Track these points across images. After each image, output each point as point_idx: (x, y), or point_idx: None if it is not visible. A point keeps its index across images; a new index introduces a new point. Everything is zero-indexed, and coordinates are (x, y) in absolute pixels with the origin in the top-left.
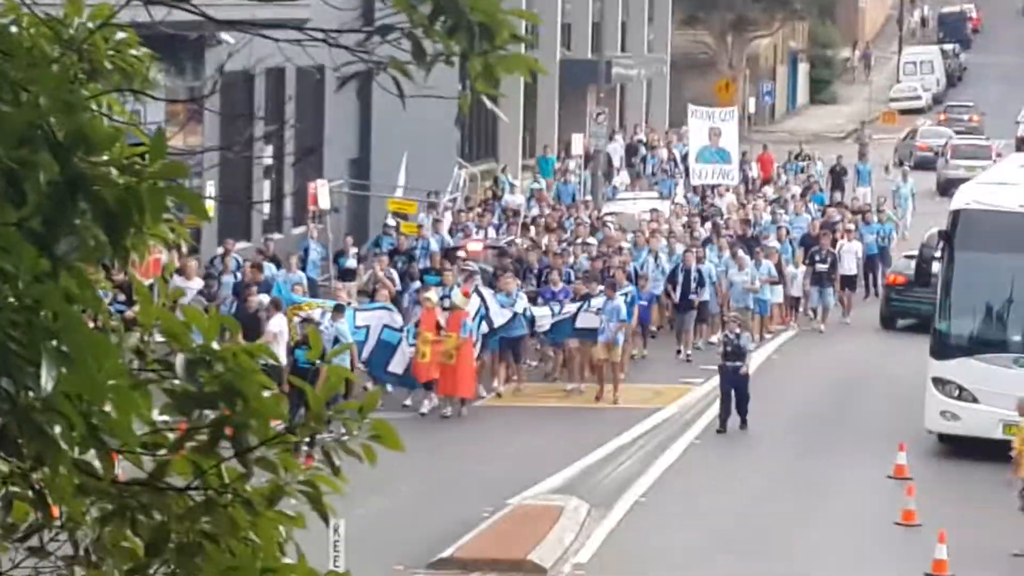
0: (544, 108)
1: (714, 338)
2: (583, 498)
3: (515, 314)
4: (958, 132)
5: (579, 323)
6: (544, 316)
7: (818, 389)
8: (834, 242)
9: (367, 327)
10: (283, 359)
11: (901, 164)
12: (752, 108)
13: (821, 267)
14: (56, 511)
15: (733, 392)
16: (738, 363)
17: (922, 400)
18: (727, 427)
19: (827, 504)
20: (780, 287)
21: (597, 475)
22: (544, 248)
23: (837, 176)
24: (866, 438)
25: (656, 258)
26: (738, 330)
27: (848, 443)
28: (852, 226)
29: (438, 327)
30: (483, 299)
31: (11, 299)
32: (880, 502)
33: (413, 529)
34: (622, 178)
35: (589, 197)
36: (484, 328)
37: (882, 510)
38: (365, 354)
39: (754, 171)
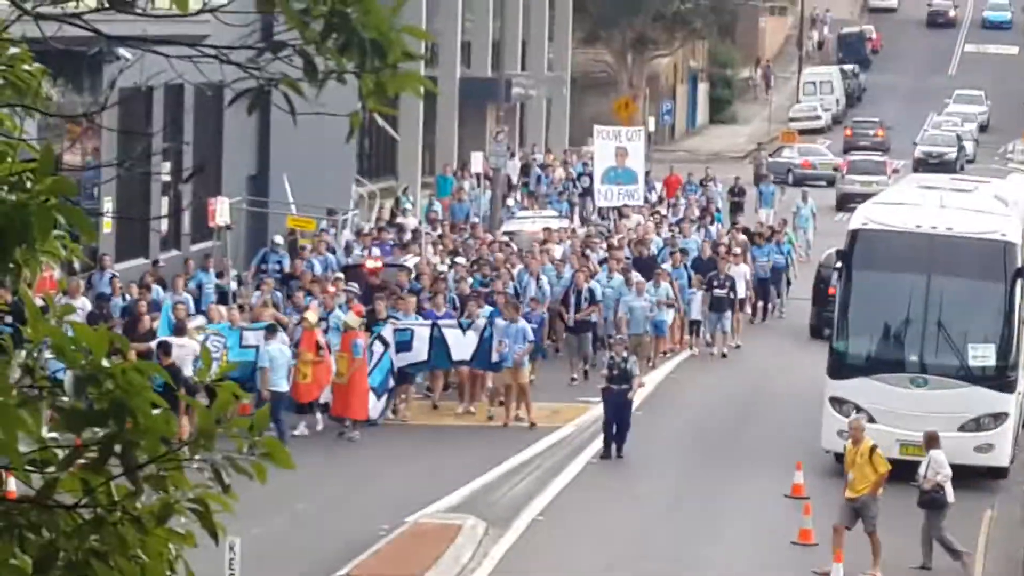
0: (444, 126)
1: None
2: (481, 516)
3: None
4: (862, 148)
5: (454, 355)
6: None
7: (716, 408)
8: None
9: (256, 347)
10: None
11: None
12: (652, 127)
13: (719, 292)
14: None
15: (617, 416)
16: (624, 387)
17: (819, 420)
18: (611, 453)
19: (725, 523)
20: (673, 309)
21: (495, 493)
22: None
23: (736, 197)
24: (764, 457)
25: (538, 280)
26: (625, 353)
27: (746, 462)
28: (739, 249)
29: (317, 347)
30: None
31: None
32: (777, 521)
33: (310, 547)
34: (515, 197)
35: (476, 219)
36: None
37: (779, 529)
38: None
39: (658, 192)
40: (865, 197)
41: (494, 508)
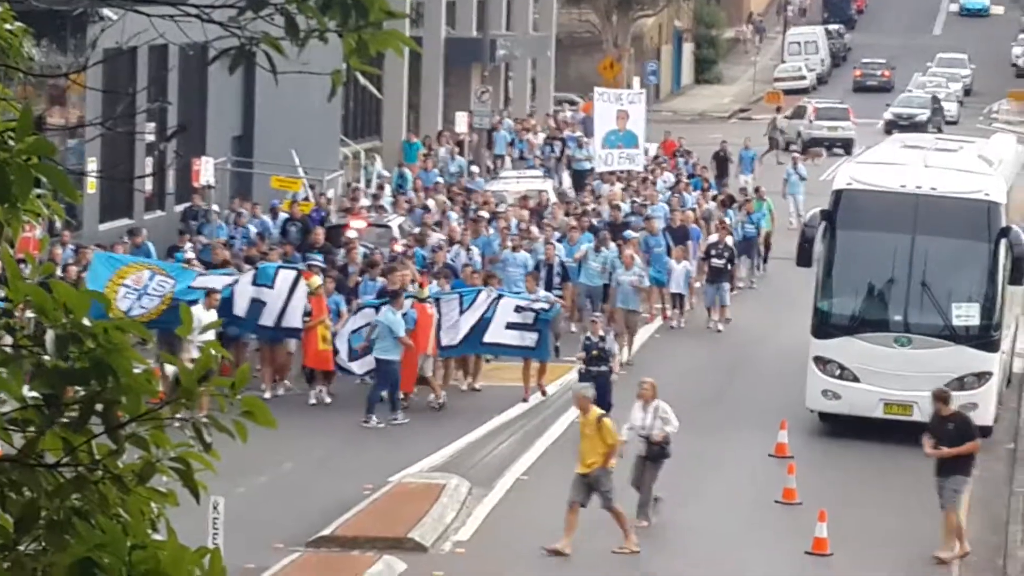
0: (428, 86)
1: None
2: (464, 476)
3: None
4: (871, 88)
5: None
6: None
7: (700, 369)
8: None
9: (205, 289)
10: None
11: (787, 148)
12: (637, 87)
13: (717, 263)
14: None
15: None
16: (603, 368)
17: (803, 379)
18: None
19: (708, 482)
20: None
21: (478, 453)
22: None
23: (721, 162)
24: (747, 417)
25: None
26: (601, 332)
27: (729, 422)
28: (728, 219)
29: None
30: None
31: None
32: (761, 481)
33: (294, 507)
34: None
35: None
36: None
37: (763, 488)
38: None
39: (652, 152)
40: (831, 141)
41: (478, 468)
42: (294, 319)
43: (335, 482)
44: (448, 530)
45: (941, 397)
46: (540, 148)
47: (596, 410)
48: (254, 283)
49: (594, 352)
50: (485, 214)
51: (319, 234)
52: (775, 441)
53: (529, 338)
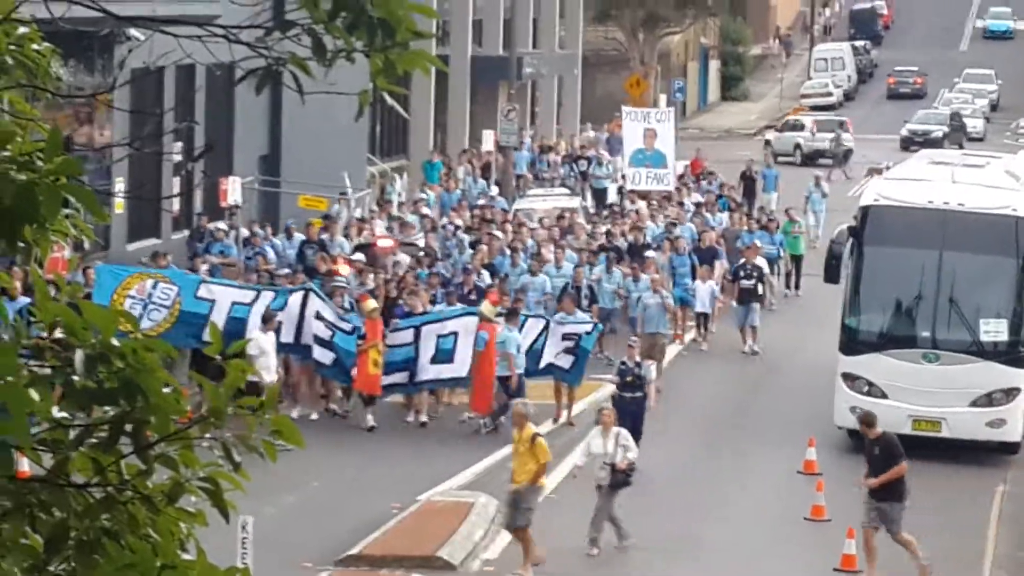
0: (455, 104)
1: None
2: (492, 494)
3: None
4: (903, 95)
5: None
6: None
7: (728, 385)
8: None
9: (212, 301)
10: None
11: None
12: (664, 105)
13: (747, 283)
14: None
15: (630, 426)
16: (638, 394)
17: (831, 396)
18: None
19: (737, 499)
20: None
21: (506, 471)
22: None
23: (748, 182)
24: (776, 434)
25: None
26: (638, 358)
27: (758, 439)
28: (758, 243)
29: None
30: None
31: None
32: (790, 497)
33: (322, 526)
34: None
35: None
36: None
37: (792, 505)
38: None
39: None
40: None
41: (506, 486)
42: (309, 336)
43: (363, 501)
44: (477, 548)
45: (865, 421)
46: (560, 167)
47: (531, 428)
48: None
49: (628, 378)
50: (500, 234)
51: (323, 260)
52: (803, 458)
53: (566, 360)
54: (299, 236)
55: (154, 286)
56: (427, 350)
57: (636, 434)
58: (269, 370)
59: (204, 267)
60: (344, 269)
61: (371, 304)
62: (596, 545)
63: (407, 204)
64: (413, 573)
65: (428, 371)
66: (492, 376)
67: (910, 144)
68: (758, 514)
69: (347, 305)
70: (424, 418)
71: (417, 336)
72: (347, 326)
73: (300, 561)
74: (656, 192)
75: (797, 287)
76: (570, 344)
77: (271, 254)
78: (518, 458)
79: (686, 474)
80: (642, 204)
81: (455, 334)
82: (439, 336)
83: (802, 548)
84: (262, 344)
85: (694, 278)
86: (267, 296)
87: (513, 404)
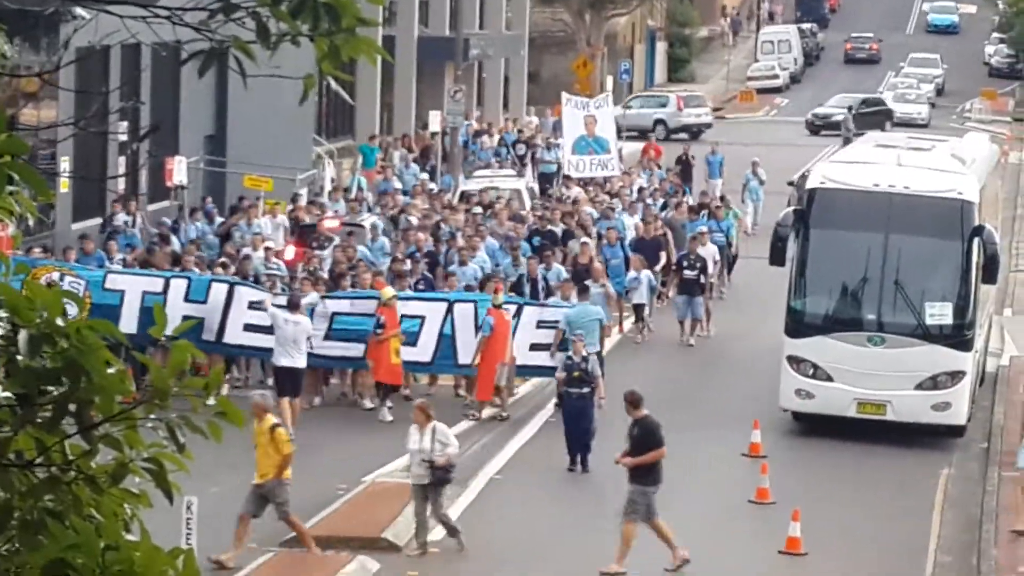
0: (402, 85)
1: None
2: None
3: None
4: (860, 60)
5: (461, 357)
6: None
7: (673, 368)
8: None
9: (121, 292)
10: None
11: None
12: (610, 86)
13: (690, 274)
14: None
15: (580, 423)
16: (585, 390)
17: (777, 378)
18: (577, 465)
19: (682, 482)
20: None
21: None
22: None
23: (685, 167)
24: (721, 416)
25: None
26: (584, 352)
27: (703, 421)
28: (704, 230)
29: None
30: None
31: None
32: (735, 480)
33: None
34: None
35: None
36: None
37: (737, 488)
38: (128, 323)
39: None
40: (697, 127)
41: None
42: (235, 334)
43: (310, 482)
44: None
45: (629, 400)
46: (495, 150)
47: (270, 419)
48: (186, 299)
49: (576, 373)
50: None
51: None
52: (748, 441)
53: (543, 357)
54: (219, 219)
55: (61, 278)
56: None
57: (587, 432)
58: (295, 355)
59: (119, 256)
60: (290, 252)
61: (389, 291)
62: (424, 548)
63: (337, 191)
64: (358, 554)
65: None
66: (497, 363)
67: (810, 128)
68: (703, 497)
69: (279, 291)
70: (506, 413)
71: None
72: (282, 301)
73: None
74: (598, 178)
75: (729, 273)
76: (551, 341)
77: (174, 241)
78: (260, 450)
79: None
80: (577, 190)
81: (422, 319)
82: (403, 315)
83: (747, 531)
84: (279, 324)
85: (627, 268)
86: (179, 283)
87: (252, 395)
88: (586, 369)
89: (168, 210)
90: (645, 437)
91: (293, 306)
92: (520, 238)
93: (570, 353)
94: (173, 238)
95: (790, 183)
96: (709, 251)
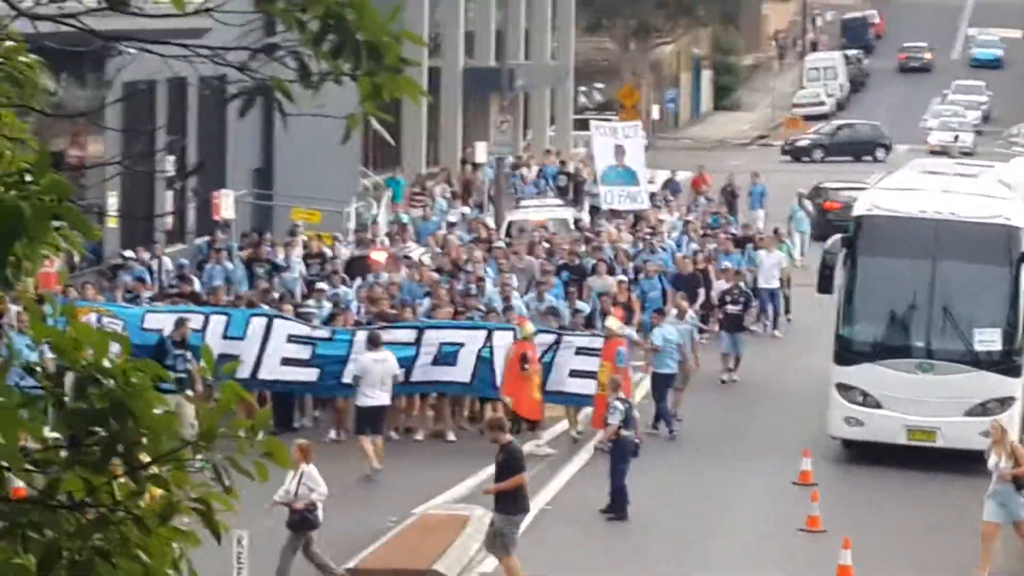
0: (447, 116)
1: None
2: (488, 507)
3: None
4: (913, 68)
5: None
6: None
7: (722, 397)
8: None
9: (160, 330)
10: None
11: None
12: (656, 115)
13: (733, 309)
14: None
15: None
16: (632, 432)
17: (826, 406)
18: (627, 512)
19: (733, 511)
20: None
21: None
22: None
23: (729, 197)
24: (771, 445)
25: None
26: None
27: (753, 450)
28: (730, 264)
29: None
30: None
31: None
32: (785, 508)
33: (319, 540)
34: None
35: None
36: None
37: (787, 516)
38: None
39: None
40: None
41: None
42: (273, 370)
43: (360, 514)
44: (472, 561)
45: (492, 425)
46: (534, 182)
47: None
48: (224, 336)
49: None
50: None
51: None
52: (798, 469)
53: (589, 385)
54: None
55: (98, 320)
56: (428, 353)
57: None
58: (377, 391)
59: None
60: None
61: (529, 327)
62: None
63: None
64: None
65: (428, 372)
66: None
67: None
68: (754, 526)
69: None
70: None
71: (419, 338)
72: (325, 333)
73: (298, 575)
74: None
75: (787, 311)
76: (591, 368)
77: (217, 279)
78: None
79: (683, 485)
80: (609, 226)
81: (460, 344)
82: (442, 343)
83: (798, 559)
84: (365, 365)
85: (664, 302)
86: (218, 320)
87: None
88: (631, 415)
89: (186, 251)
90: (507, 463)
91: (374, 344)
92: (548, 271)
93: (622, 395)
94: (195, 280)
95: (800, 194)
96: (775, 258)
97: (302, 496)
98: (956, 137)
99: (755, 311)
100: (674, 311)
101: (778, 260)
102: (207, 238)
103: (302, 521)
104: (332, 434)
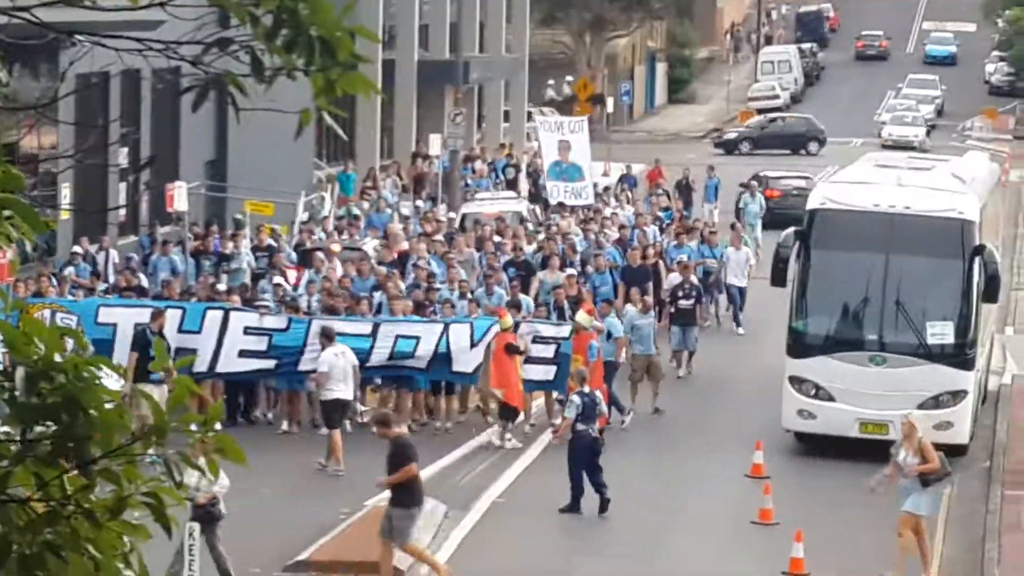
0: (402, 109)
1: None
2: (440, 499)
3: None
4: (870, 56)
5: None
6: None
7: (676, 390)
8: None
9: (114, 325)
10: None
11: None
12: (611, 108)
13: (685, 304)
14: None
15: (587, 466)
16: (591, 426)
17: (779, 399)
18: (581, 506)
19: (686, 503)
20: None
21: (454, 476)
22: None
23: (685, 191)
24: (723, 438)
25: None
26: (587, 387)
27: (706, 443)
28: (684, 258)
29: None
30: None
31: None
32: (737, 501)
33: (270, 532)
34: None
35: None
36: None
37: (739, 509)
38: (122, 356)
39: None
40: None
41: (454, 491)
42: (231, 362)
43: (312, 507)
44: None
45: (379, 420)
46: (489, 175)
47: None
48: (180, 330)
49: (583, 410)
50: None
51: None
52: (751, 461)
53: (549, 371)
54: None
55: (52, 315)
56: (384, 347)
57: (596, 469)
58: (340, 384)
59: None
60: (291, 275)
61: (508, 320)
62: None
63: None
64: None
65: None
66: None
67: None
68: (707, 518)
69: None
70: (446, 424)
71: (375, 332)
72: (281, 323)
73: (248, 567)
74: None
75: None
76: (548, 355)
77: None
78: None
79: (636, 477)
80: (564, 220)
81: (417, 338)
82: (398, 336)
83: (750, 552)
84: (327, 359)
85: (616, 296)
86: (173, 314)
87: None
88: (593, 403)
89: (134, 245)
90: (396, 456)
91: (328, 338)
92: (495, 265)
93: (582, 388)
94: (140, 275)
95: (741, 184)
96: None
97: (204, 489)
98: (928, 131)
99: (714, 306)
100: (638, 306)
101: (746, 256)
102: (148, 232)
103: (207, 515)
104: (284, 426)
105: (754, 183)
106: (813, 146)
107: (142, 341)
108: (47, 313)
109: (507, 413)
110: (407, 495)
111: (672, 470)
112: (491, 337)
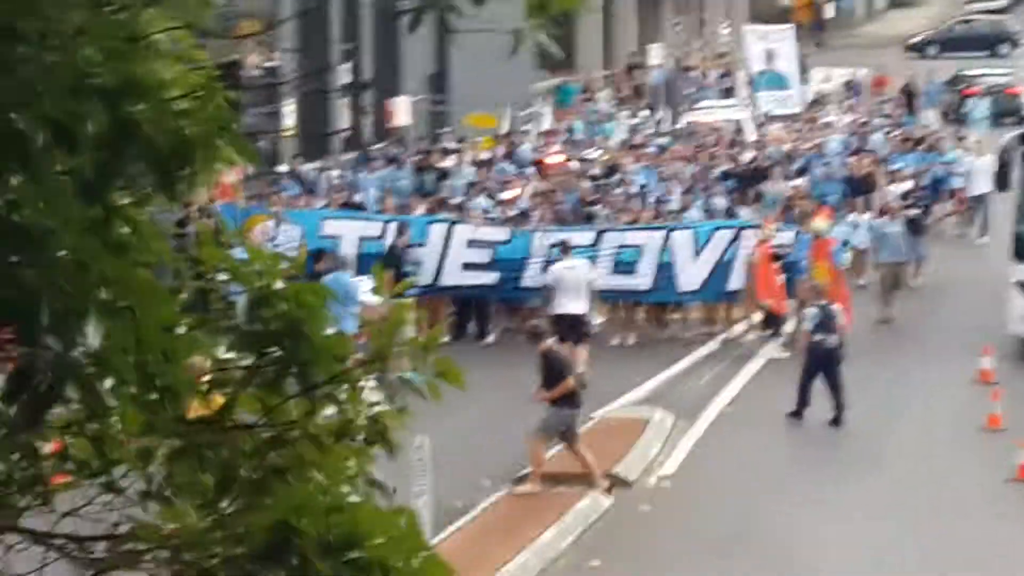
0: (622, 18)
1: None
2: (668, 409)
3: None
4: None
5: (682, 283)
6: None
7: (901, 295)
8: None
9: (338, 237)
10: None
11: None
12: (831, 13)
13: (914, 212)
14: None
15: (823, 374)
16: (831, 336)
17: (1004, 305)
18: (803, 415)
19: (911, 410)
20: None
21: (681, 386)
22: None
23: (909, 98)
24: (950, 343)
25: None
26: (823, 300)
27: (932, 348)
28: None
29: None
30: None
31: (60, 253)
32: (964, 407)
33: (500, 444)
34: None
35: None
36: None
37: (966, 415)
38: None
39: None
40: None
41: (681, 400)
42: (453, 274)
43: (538, 418)
44: (653, 463)
45: (532, 332)
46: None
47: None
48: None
49: (821, 319)
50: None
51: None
52: (978, 367)
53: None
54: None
55: (276, 226)
56: (605, 258)
57: (835, 384)
58: (571, 298)
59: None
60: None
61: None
62: None
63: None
64: (589, 490)
65: (606, 275)
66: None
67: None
68: (931, 424)
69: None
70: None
71: (597, 241)
72: (504, 235)
73: (478, 480)
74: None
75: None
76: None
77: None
78: None
79: (860, 383)
80: (775, 127)
81: (639, 247)
82: (621, 246)
83: (977, 459)
84: (558, 274)
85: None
86: (396, 227)
87: None
88: (830, 313)
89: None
90: (550, 370)
91: (564, 251)
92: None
93: (822, 302)
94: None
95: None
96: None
97: None
98: None
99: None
100: (865, 215)
101: (989, 165)
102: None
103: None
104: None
105: (982, 87)
106: (1004, 48)
107: (391, 255)
108: (271, 224)
109: (773, 321)
110: (566, 399)
111: (898, 376)
112: (745, 248)
